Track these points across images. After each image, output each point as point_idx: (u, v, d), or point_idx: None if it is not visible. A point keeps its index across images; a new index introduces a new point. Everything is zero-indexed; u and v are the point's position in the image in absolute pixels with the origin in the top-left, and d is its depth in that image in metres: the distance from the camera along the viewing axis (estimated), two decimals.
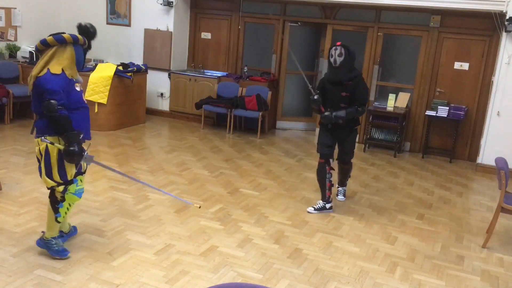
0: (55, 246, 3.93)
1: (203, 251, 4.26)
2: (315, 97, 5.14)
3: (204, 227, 4.74)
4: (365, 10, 8.28)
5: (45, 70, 3.71)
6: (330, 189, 5.32)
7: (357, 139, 5.57)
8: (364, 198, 5.94)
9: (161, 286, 3.67)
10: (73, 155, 3.65)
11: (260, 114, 8.26)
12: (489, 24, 7.45)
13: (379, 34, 8.27)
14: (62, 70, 3.76)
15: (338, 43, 5.09)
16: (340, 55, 4.99)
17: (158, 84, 9.25)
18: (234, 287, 2.01)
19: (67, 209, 3.90)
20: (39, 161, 3.81)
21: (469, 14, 7.53)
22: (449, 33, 7.86)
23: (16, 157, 6.28)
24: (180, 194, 5.52)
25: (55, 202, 3.86)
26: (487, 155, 7.32)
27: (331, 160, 5.29)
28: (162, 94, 9.31)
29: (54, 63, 3.73)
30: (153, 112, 9.34)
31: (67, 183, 3.80)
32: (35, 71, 3.73)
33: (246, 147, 7.77)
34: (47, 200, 3.94)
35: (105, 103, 7.82)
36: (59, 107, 3.64)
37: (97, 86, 7.77)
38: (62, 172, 3.74)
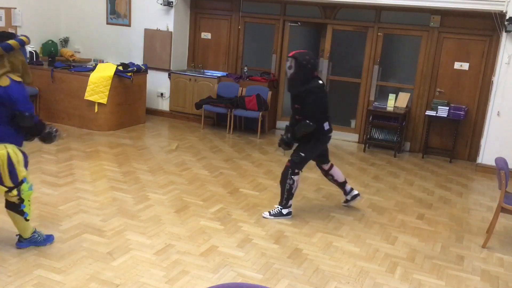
0: (39, 238, 4.07)
1: (203, 251, 4.26)
2: (284, 137, 5.13)
3: (204, 227, 4.74)
4: (365, 10, 8.28)
5: (6, 79, 3.66)
6: (342, 185, 5.48)
7: (312, 149, 5.12)
8: (364, 198, 5.94)
9: (161, 286, 3.67)
10: (51, 138, 4.02)
11: (260, 114, 8.26)
12: (489, 24, 7.45)
13: (379, 34, 8.27)
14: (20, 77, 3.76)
15: (291, 53, 4.93)
16: (290, 67, 4.88)
17: (158, 84, 9.25)
18: (234, 287, 2.00)
19: (29, 205, 3.97)
20: None
21: (469, 14, 7.53)
22: (449, 33, 7.86)
23: None
24: (180, 194, 5.53)
25: (16, 206, 3.89)
26: (487, 155, 7.32)
27: (323, 166, 5.40)
28: (162, 94, 9.31)
29: (10, 71, 3.70)
30: (153, 112, 9.34)
31: (18, 185, 3.83)
32: None
33: (246, 147, 7.77)
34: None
35: (105, 103, 7.82)
36: (32, 116, 3.75)
37: (97, 86, 7.77)
38: (13, 176, 3.77)
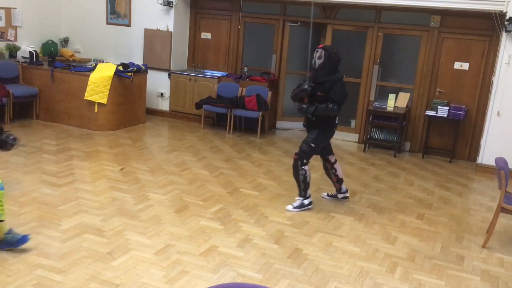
0: (12, 239, 3.98)
1: (203, 251, 4.26)
2: (307, 87, 5.27)
3: (204, 227, 4.74)
4: (365, 10, 8.28)
5: None
6: (339, 182, 5.67)
7: (321, 139, 5.37)
8: (364, 198, 5.94)
9: (161, 286, 3.67)
10: (10, 145, 4.05)
11: (260, 114, 8.26)
12: (489, 24, 7.45)
13: (379, 34, 8.27)
14: None
15: (320, 45, 5.35)
16: (319, 57, 5.23)
17: (158, 84, 9.25)
18: (234, 287, 2.01)
19: (2, 205, 3.92)
20: None
21: (469, 14, 7.53)
22: (449, 33, 7.86)
23: (16, 157, 6.28)
24: (180, 194, 5.53)
25: None
26: (487, 155, 7.32)
27: (329, 157, 5.57)
28: (162, 94, 9.31)
29: None
30: (153, 112, 9.34)
31: None
32: None
33: (246, 147, 7.77)
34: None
35: (105, 103, 7.81)
36: None
37: (97, 86, 7.77)
38: None
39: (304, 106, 5.33)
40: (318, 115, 5.27)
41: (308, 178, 5.30)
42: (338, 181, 5.69)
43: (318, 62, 5.24)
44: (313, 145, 5.28)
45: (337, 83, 5.27)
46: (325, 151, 5.59)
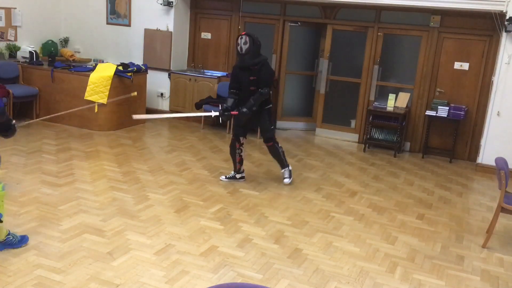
0: (13, 240, 4.01)
1: (203, 251, 4.26)
2: (245, 110, 5.67)
3: (204, 227, 4.74)
4: (365, 10, 8.28)
5: None
6: (240, 163, 6.06)
7: (271, 118, 6.03)
8: (364, 198, 5.94)
9: (161, 286, 3.67)
10: (14, 132, 4.18)
11: None
12: (489, 24, 7.45)
13: (379, 34, 8.27)
14: None
15: (243, 32, 5.83)
16: (245, 43, 5.63)
17: (158, 84, 9.25)
18: (234, 287, 2.01)
19: (2, 205, 3.94)
20: None
21: (469, 14, 7.53)
22: (449, 33, 7.86)
23: (16, 157, 6.28)
24: (180, 194, 5.53)
25: None
26: (487, 155, 7.32)
27: (241, 138, 5.97)
28: (162, 94, 9.31)
29: None
30: (153, 112, 9.32)
31: None
32: None
33: (246, 147, 7.73)
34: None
35: (105, 103, 7.81)
36: (4, 111, 3.91)
37: (97, 86, 7.77)
38: None
39: (241, 111, 5.68)
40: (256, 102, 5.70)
41: (283, 150, 6.11)
42: (240, 162, 6.06)
43: (244, 47, 5.63)
44: (272, 126, 5.99)
45: (264, 65, 5.76)
46: (244, 131, 5.99)
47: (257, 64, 5.69)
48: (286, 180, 6.09)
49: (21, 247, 4.03)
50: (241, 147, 6.01)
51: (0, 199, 3.89)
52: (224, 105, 5.86)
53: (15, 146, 6.72)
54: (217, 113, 5.87)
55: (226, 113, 5.78)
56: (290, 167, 6.15)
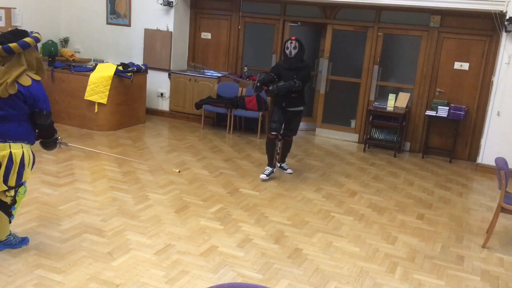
0: (14, 241, 4.02)
1: (203, 251, 4.26)
2: (258, 84, 6.12)
3: (204, 227, 4.74)
4: (365, 10, 8.28)
5: (28, 79, 3.70)
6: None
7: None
8: (364, 198, 5.94)
9: (161, 286, 3.67)
10: (55, 145, 4.19)
11: (260, 114, 8.26)
12: (489, 24, 7.45)
13: (379, 34, 8.27)
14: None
15: (293, 37, 6.15)
16: (295, 47, 6.04)
17: (158, 84, 9.25)
18: (234, 287, 2.00)
19: (17, 208, 3.99)
20: None
21: (469, 14, 7.53)
22: (449, 33, 7.86)
23: None
24: (180, 194, 5.53)
25: (7, 207, 3.90)
26: (487, 155, 7.32)
27: (279, 136, 6.33)
28: (162, 94, 9.31)
29: (29, 70, 3.75)
30: (153, 112, 9.34)
31: (19, 186, 3.87)
32: (11, 77, 3.61)
33: (246, 147, 7.77)
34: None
35: (105, 103, 7.82)
36: (50, 114, 3.87)
37: (97, 86, 7.77)
38: (19, 177, 3.81)
39: (270, 88, 6.07)
40: (294, 95, 6.09)
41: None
42: (277, 157, 6.46)
43: (294, 52, 6.03)
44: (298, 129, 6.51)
45: (305, 70, 6.10)
46: (281, 126, 6.26)
47: (303, 67, 6.09)
48: (289, 170, 6.57)
49: (21, 247, 4.04)
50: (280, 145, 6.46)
51: (19, 201, 3.94)
52: (260, 78, 6.13)
53: None
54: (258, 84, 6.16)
55: (259, 85, 6.09)
56: (274, 169, 6.38)
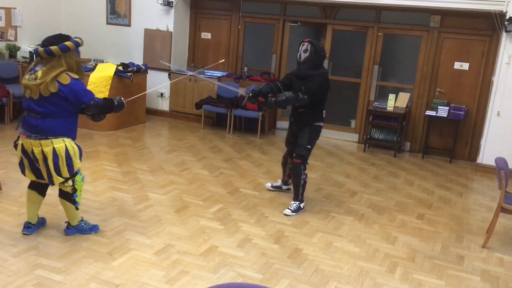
0: (85, 226, 4.34)
1: (203, 251, 4.26)
2: (250, 94, 5.30)
3: (204, 227, 4.74)
4: (365, 10, 8.28)
5: (66, 77, 3.92)
6: (289, 176, 5.65)
7: (314, 138, 5.29)
8: (364, 198, 5.94)
9: (161, 286, 3.67)
10: (122, 106, 4.32)
11: (260, 114, 8.26)
12: (489, 24, 7.45)
13: (379, 34, 8.27)
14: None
15: (306, 39, 5.17)
16: (305, 51, 5.10)
17: (158, 84, 9.23)
18: (234, 287, 2.01)
19: (80, 195, 4.24)
20: (37, 161, 4.01)
21: (469, 14, 7.53)
22: (449, 33, 7.86)
23: (16, 157, 6.26)
24: (180, 194, 5.53)
25: (70, 195, 4.16)
26: (487, 155, 7.32)
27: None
28: (162, 94, 9.31)
29: (68, 71, 3.97)
30: (153, 112, 9.34)
31: (74, 176, 4.09)
32: (50, 76, 3.86)
33: (246, 147, 7.77)
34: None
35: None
36: (97, 102, 4.07)
37: (97, 86, 7.76)
38: (70, 168, 4.05)
39: (273, 100, 5.28)
40: (302, 110, 5.15)
41: (306, 182, 5.31)
42: (289, 175, 5.64)
43: (303, 55, 5.10)
44: (309, 146, 5.22)
45: (316, 78, 5.06)
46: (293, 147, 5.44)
47: (314, 76, 5.06)
48: (287, 211, 5.20)
49: (91, 234, 4.33)
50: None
51: (79, 189, 4.17)
52: (257, 87, 5.42)
53: None
54: (243, 93, 5.51)
55: (253, 96, 5.27)
56: (302, 205, 5.29)
